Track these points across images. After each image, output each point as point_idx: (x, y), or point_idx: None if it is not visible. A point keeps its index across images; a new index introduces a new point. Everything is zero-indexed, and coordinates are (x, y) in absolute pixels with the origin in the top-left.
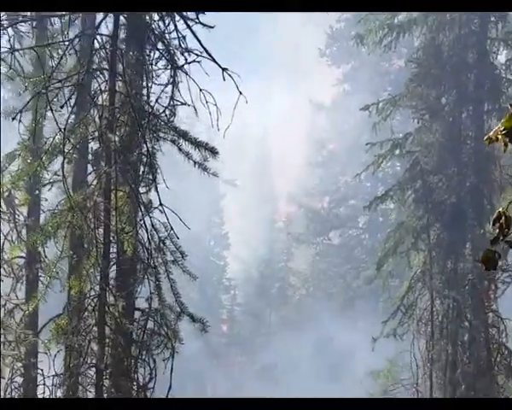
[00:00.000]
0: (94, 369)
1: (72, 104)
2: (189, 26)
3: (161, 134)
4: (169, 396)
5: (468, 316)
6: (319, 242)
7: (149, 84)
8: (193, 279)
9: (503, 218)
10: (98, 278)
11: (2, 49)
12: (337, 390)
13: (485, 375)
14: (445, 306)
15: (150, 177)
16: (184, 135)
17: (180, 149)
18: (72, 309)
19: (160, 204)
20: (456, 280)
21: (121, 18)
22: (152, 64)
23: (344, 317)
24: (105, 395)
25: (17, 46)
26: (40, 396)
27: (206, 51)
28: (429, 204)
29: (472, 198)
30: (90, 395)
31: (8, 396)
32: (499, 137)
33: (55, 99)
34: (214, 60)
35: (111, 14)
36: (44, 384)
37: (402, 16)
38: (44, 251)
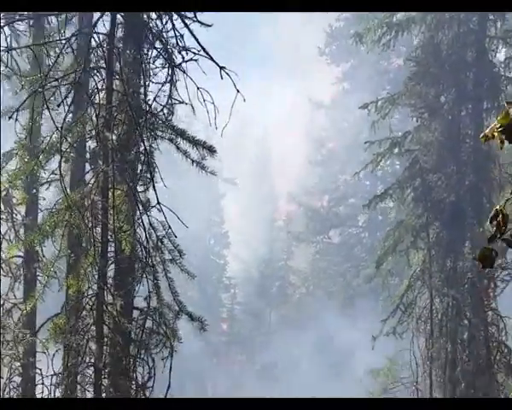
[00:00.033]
0: (92, 368)
1: (69, 103)
2: (186, 25)
3: (159, 133)
4: (168, 395)
5: (468, 314)
6: (319, 240)
7: (147, 83)
8: (191, 278)
9: (501, 216)
10: (96, 277)
11: None
12: (337, 389)
13: (484, 373)
14: (445, 304)
15: (148, 175)
16: (182, 133)
17: (178, 148)
18: (70, 308)
19: (158, 203)
20: (456, 279)
21: (119, 16)
22: (149, 63)
23: (344, 315)
24: (104, 395)
25: (14, 45)
26: (39, 396)
27: (204, 50)
28: (428, 203)
29: (471, 197)
30: (89, 395)
31: (7, 396)
32: (495, 134)
33: (51, 98)
34: (212, 58)
35: (108, 13)
36: (43, 384)
37: (400, 15)
38: (42, 250)
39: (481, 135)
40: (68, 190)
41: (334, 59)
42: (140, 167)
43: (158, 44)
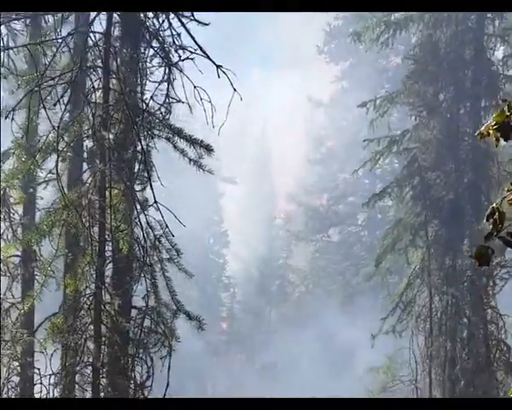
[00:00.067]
0: (90, 368)
1: (65, 102)
2: (183, 24)
3: (156, 132)
4: (168, 395)
5: (467, 312)
6: (318, 239)
7: (144, 82)
8: (189, 277)
9: (497, 214)
10: (94, 276)
11: None
12: (337, 387)
13: (484, 371)
14: (444, 302)
15: (145, 175)
16: (179, 132)
17: (175, 147)
18: (68, 308)
19: (155, 202)
20: (455, 277)
21: (116, 15)
22: (146, 61)
23: (343, 314)
24: (102, 394)
25: (11, 44)
26: (37, 396)
27: (201, 48)
28: (427, 201)
29: (470, 195)
30: (87, 394)
31: (5, 396)
32: (491, 132)
33: (48, 97)
34: (208, 57)
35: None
36: (41, 383)
37: (398, 13)
38: (40, 250)
39: (477, 132)
40: (66, 189)
41: (332, 57)
42: (137, 166)
43: (155, 43)
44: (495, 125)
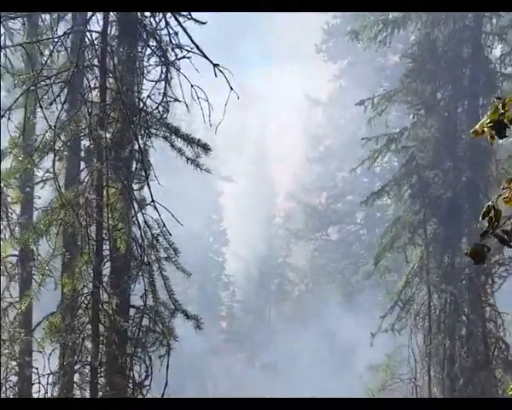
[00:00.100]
0: (88, 367)
1: (62, 101)
2: (179, 23)
3: (153, 130)
4: (167, 394)
5: (466, 310)
6: (317, 237)
7: (141, 80)
8: (187, 276)
9: (493, 211)
10: (91, 275)
11: None
12: (336, 385)
13: (482, 369)
14: (443, 300)
15: (143, 173)
16: (176, 131)
17: (172, 146)
18: (66, 307)
19: (152, 201)
20: (453, 275)
21: (113, 14)
22: (143, 60)
23: (343, 312)
24: (100, 394)
25: (8, 43)
26: (35, 395)
27: (197, 47)
28: (425, 199)
29: (468, 193)
30: (86, 394)
31: (3, 396)
32: (485, 130)
33: (45, 96)
34: (205, 55)
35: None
36: (39, 383)
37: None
38: (37, 249)
39: (472, 130)
40: (63, 188)
41: (331, 56)
42: (134, 165)
43: (152, 42)
44: (489, 123)
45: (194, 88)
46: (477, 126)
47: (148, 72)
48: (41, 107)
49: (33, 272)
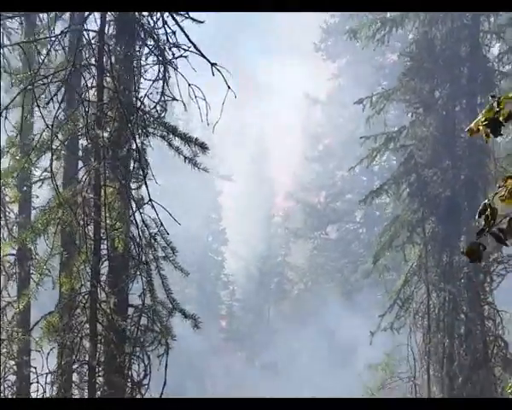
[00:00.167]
0: (87, 366)
1: (59, 100)
2: (177, 22)
3: (151, 130)
4: (166, 393)
5: (464, 309)
6: (317, 236)
7: (138, 80)
8: (185, 275)
9: (489, 209)
10: (89, 274)
11: None
12: (336, 384)
13: (481, 367)
14: (441, 299)
15: (140, 172)
16: (174, 130)
17: (170, 145)
18: (64, 306)
19: (150, 200)
20: (452, 273)
21: (111, 13)
22: (141, 59)
23: (342, 311)
24: (98, 393)
25: (6, 42)
26: (33, 395)
27: (195, 46)
28: (424, 198)
29: (466, 191)
30: (84, 393)
31: (2, 395)
32: (480, 128)
33: (42, 95)
34: (203, 54)
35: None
36: (38, 382)
37: None
38: (35, 248)
39: (467, 128)
40: (61, 187)
41: (329, 55)
42: (132, 164)
43: (149, 41)
44: (484, 121)
45: (191, 87)
46: (472, 125)
47: (146, 71)
48: (38, 106)
49: (31, 271)
